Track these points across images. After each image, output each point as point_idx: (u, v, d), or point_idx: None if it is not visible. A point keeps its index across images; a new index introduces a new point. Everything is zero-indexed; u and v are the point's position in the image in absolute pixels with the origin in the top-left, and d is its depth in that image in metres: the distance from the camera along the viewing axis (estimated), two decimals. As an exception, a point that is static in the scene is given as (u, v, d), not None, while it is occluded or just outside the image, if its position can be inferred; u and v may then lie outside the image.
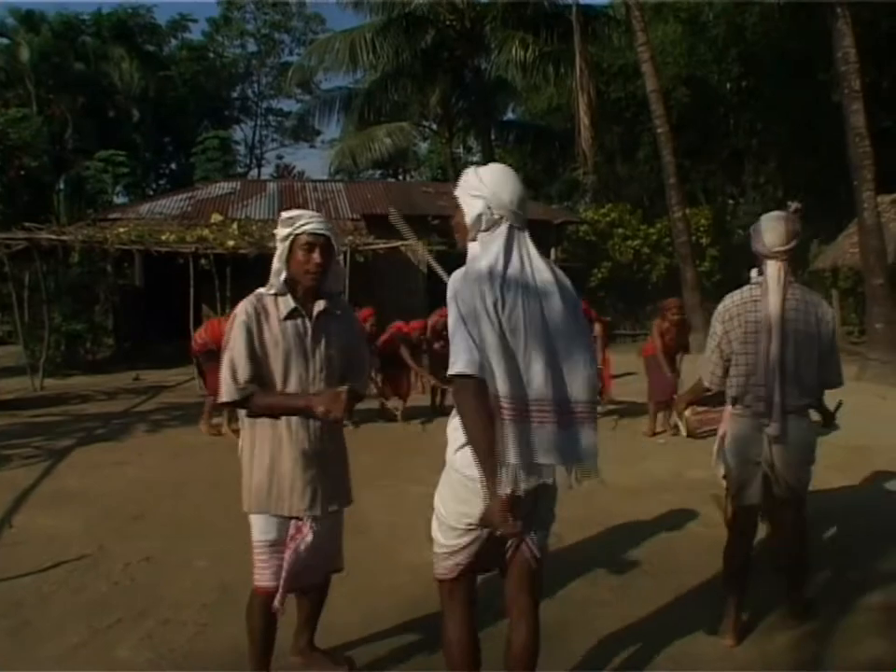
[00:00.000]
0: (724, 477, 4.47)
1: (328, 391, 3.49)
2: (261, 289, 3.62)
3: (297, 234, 3.51)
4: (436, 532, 3.23)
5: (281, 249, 3.56)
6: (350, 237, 18.36)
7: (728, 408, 4.38)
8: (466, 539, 3.09)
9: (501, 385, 2.78)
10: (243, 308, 3.52)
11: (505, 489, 2.78)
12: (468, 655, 3.20)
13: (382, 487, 7.42)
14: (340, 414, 3.41)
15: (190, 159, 40.11)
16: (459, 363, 2.78)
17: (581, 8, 25.64)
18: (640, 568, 5.28)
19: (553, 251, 22.63)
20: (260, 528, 3.69)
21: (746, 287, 4.15)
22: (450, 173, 33.70)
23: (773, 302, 3.95)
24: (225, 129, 46.13)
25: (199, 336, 10.32)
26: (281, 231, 3.55)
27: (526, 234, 3.11)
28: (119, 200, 35.78)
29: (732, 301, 4.15)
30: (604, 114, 28.26)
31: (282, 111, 56.14)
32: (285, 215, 3.59)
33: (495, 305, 2.81)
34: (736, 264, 25.34)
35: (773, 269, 4.01)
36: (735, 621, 4.20)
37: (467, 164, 42.54)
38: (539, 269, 3.01)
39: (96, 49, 39.64)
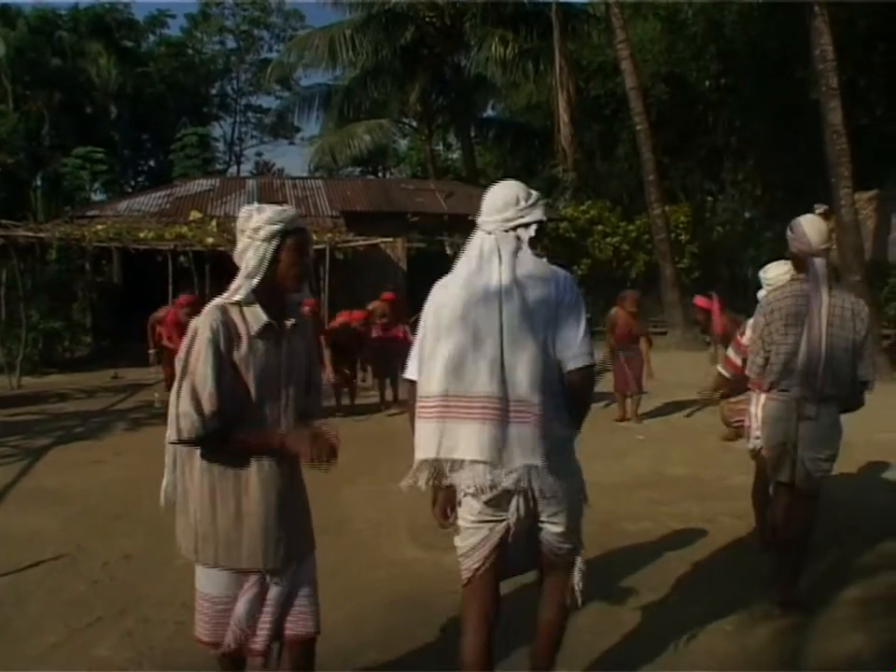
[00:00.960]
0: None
1: (301, 429, 3.08)
2: (219, 298, 3.07)
3: (289, 232, 3.00)
4: (455, 535, 3.28)
5: (264, 250, 2.98)
6: (330, 234, 18.33)
7: (757, 395, 4.81)
8: (474, 540, 3.16)
9: (421, 384, 3.05)
10: (206, 323, 2.94)
11: (417, 482, 3.17)
12: (476, 662, 3.17)
13: (363, 484, 7.42)
14: (324, 457, 3.03)
15: (169, 156, 39.89)
16: (407, 369, 3.18)
17: (561, 6, 25.76)
18: (621, 564, 5.30)
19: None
20: (215, 582, 3.15)
21: (787, 283, 4.49)
22: (429, 170, 33.72)
23: (823, 296, 4.23)
24: (204, 126, 45.90)
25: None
26: (266, 228, 2.96)
27: (509, 236, 3.14)
28: (96, 197, 35.54)
29: (774, 296, 4.44)
30: (583, 111, 28.31)
31: (261, 108, 55.96)
32: (265, 209, 3.01)
33: (435, 310, 3.08)
34: (715, 261, 25.49)
35: (821, 265, 4.27)
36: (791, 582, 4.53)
37: (446, 161, 42.70)
38: (508, 270, 3.03)
39: (73, 44, 39.30)
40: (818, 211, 4.69)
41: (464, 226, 21.79)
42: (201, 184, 25.18)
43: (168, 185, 26.56)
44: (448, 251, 23.06)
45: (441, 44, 30.54)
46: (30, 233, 16.54)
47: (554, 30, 25.08)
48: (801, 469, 4.39)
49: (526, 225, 3.23)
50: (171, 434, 2.99)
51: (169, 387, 9.73)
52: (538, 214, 3.25)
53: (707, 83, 29.37)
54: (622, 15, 20.25)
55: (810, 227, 4.32)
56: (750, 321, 5.28)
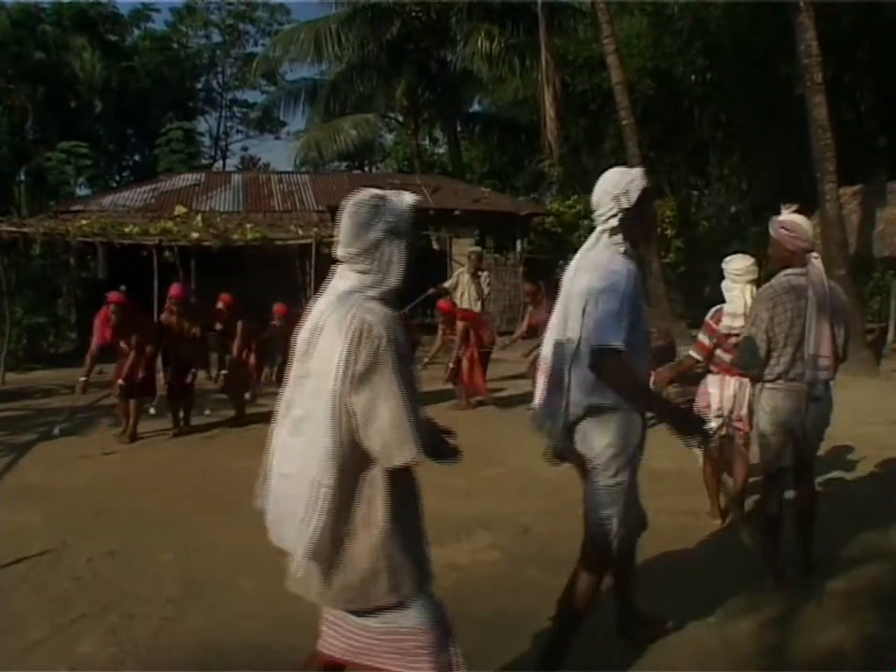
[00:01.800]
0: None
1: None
2: (360, 293, 2.61)
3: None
4: None
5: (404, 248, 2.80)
6: (315, 229, 18.29)
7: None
8: None
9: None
10: (389, 326, 2.56)
11: None
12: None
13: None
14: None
15: (154, 150, 39.72)
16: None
17: (547, 1, 25.70)
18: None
19: (518, 243, 22.66)
20: (426, 608, 2.76)
21: (783, 279, 4.64)
22: (416, 164, 33.69)
23: (826, 287, 4.58)
24: (189, 120, 45.68)
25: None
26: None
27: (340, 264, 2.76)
28: (81, 192, 35.39)
29: (774, 290, 4.64)
30: (569, 106, 28.34)
31: (247, 102, 55.76)
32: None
33: None
34: (701, 255, 25.53)
35: (819, 260, 4.65)
36: (776, 561, 4.82)
37: (433, 156, 42.66)
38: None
39: (57, 38, 39.03)
40: (790, 210, 4.72)
41: (450, 220, 21.89)
42: (186, 179, 25.10)
43: (153, 179, 26.45)
44: (435, 246, 23.06)
45: (427, 39, 30.52)
46: (14, 228, 16.46)
47: (540, 25, 25.08)
48: (807, 447, 4.78)
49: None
50: (406, 455, 2.52)
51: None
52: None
53: (693, 78, 29.42)
54: (608, 10, 20.23)
55: (808, 225, 4.66)
56: (715, 308, 5.76)
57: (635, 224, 3.63)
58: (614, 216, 3.61)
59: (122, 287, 9.57)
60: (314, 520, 2.50)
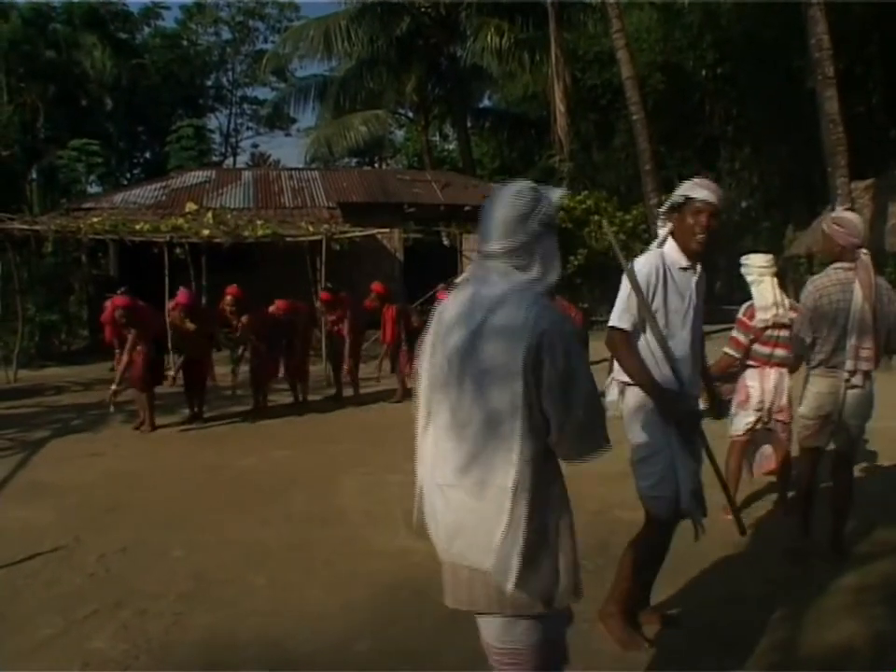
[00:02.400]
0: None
1: None
2: (528, 290, 2.47)
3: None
4: None
5: None
6: (326, 225, 18.30)
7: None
8: None
9: None
10: (569, 322, 2.59)
11: None
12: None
13: (359, 475, 7.42)
14: None
15: (165, 147, 39.75)
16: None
17: (557, -4, 25.65)
18: (616, 553, 5.29)
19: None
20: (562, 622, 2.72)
21: (831, 272, 4.89)
22: (426, 160, 33.67)
23: (873, 280, 4.78)
24: (199, 117, 45.74)
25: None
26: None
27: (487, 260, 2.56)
28: (92, 189, 35.44)
29: (821, 283, 4.89)
30: (579, 101, 28.31)
31: (257, 99, 55.84)
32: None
33: None
34: (712, 250, 25.44)
35: (866, 255, 4.83)
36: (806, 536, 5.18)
37: (443, 152, 42.63)
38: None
39: (67, 36, 39.12)
40: (846, 207, 4.99)
41: (460, 216, 21.88)
42: (197, 176, 25.14)
43: (164, 177, 26.51)
44: (445, 241, 23.06)
45: (437, 34, 30.50)
46: (26, 226, 16.50)
47: (550, 20, 25.03)
48: (844, 434, 5.01)
49: None
50: (600, 448, 2.58)
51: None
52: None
53: (704, 72, 29.36)
54: (617, 4, 20.20)
55: (857, 221, 4.96)
56: (746, 305, 5.91)
57: (679, 228, 3.91)
58: (662, 217, 4.03)
59: (122, 290, 9.57)
60: (505, 528, 2.37)
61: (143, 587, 4.91)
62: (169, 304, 10.48)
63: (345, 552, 5.43)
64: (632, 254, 17.15)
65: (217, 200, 21.94)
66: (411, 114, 36.22)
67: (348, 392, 11.70)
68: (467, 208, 21.82)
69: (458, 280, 2.71)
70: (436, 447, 2.54)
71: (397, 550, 5.47)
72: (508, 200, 2.50)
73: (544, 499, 2.45)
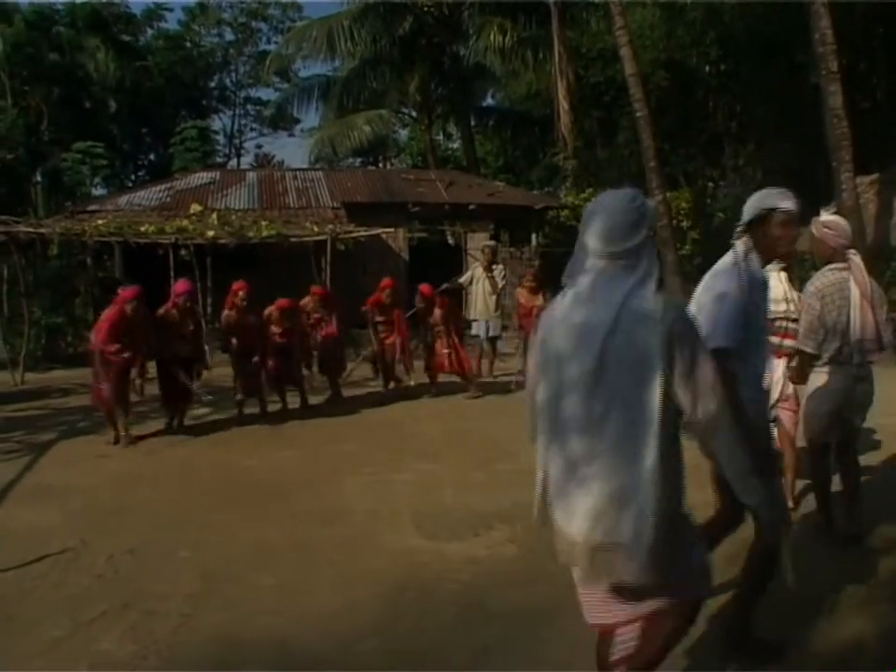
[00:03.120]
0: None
1: None
2: (647, 289, 2.72)
3: None
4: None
5: None
6: (331, 225, 18.33)
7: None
8: None
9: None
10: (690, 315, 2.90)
11: None
12: None
13: (363, 475, 7.43)
14: None
15: (169, 149, 39.78)
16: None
17: (559, -7, 25.64)
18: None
19: (534, 236, 22.62)
20: None
21: (827, 273, 5.15)
22: (430, 159, 33.66)
23: (866, 278, 5.08)
24: (203, 119, 45.79)
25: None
26: None
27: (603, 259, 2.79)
28: (97, 192, 35.53)
29: (823, 283, 5.15)
30: (583, 98, 28.25)
31: (260, 100, 55.82)
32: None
33: None
34: (717, 247, 25.37)
35: (858, 256, 5.16)
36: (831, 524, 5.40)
37: (447, 151, 42.62)
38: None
39: (71, 39, 39.19)
40: (830, 211, 5.29)
41: (465, 215, 21.88)
42: (201, 177, 25.13)
43: (168, 178, 26.51)
44: (449, 240, 23.04)
45: (440, 33, 30.49)
46: (31, 229, 16.53)
47: (553, 17, 25.03)
48: (849, 424, 5.27)
49: None
50: (722, 427, 2.81)
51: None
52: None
53: (707, 69, 29.27)
54: (620, 2, 20.16)
55: (844, 224, 5.23)
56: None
57: (763, 240, 3.83)
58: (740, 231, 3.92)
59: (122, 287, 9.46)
60: (647, 505, 2.59)
61: (150, 588, 4.93)
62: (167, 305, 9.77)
63: (351, 551, 5.45)
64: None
65: (222, 201, 21.95)
66: (414, 113, 36.18)
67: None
68: (471, 207, 21.82)
69: (564, 280, 2.90)
70: (569, 443, 2.70)
71: (402, 549, 5.48)
72: (626, 205, 2.76)
73: (674, 478, 2.72)
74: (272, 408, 10.52)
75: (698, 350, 2.67)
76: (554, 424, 2.74)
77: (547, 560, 5.14)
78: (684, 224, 24.56)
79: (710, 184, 30.25)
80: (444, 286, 13.04)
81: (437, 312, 11.50)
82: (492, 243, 14.54)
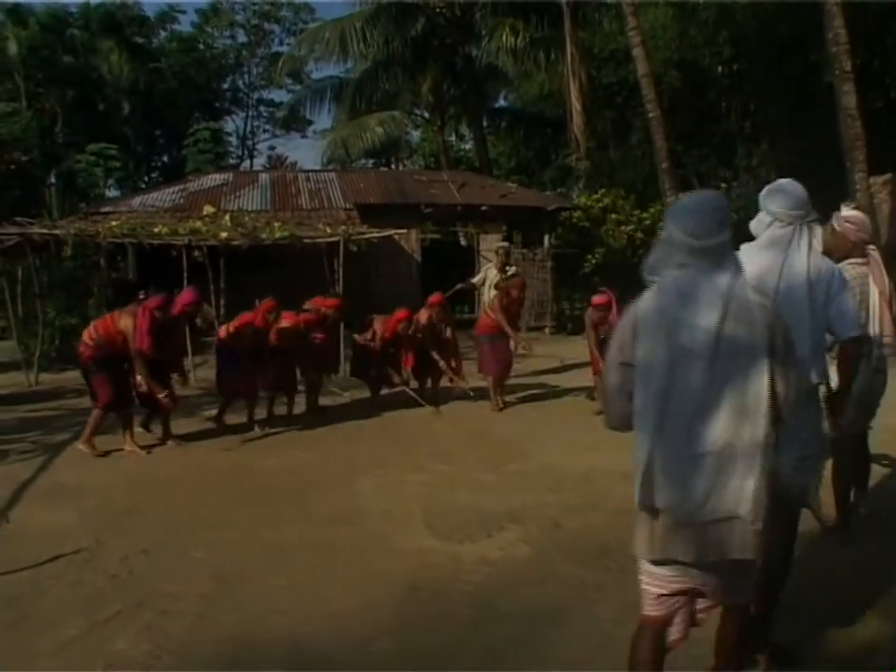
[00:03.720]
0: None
1: None
2: (743, 282, 3.00)
3: None
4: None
5: None
6: (343, 227, 18.34)
7: None
8: None
9: None
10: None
11: None
12: None
13: (376, 475, 7.44)
14: None
15: (182, 151, 39.91)
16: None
17: (572, -6, 25.61)
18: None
19: (546, 238, 22.60)
20: None
21: (847, 267, 4.97)
22: (442, 160, 33.68)
23: (883, 275, 5.19)
24: (216, 120, 45.92)
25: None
26: None
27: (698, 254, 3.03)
28: (110, 193, 35.66)
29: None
30: (595, 99, 28.21)
31: (273, 102, 55.92)
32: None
33: None
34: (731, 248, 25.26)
35: (876, 252, 5.26)
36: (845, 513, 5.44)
37: (459, 152, 42.62)
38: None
39: (85, 41, 39.39)
40: (851, 207, 5.38)
41: (477, 216, 21.89)
42: (214, 178, 25.20)
43: (181, 180, 26.61)
44: (462, 242, 23.05)
45: (452, 34, 30.50)
46: (45, 231, 16.57)
47: (565, 18, 25.01)
48: (874, 409, 5.40)
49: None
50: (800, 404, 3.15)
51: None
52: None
53: (720, 69, 29.18)
54: (632, 2, 20.15)
55: (865, 219, 5.27)
56: None
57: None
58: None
59: (143, 294, 9.36)
60: (756, 480, 2.82)
61: (164, 588, 4.95)
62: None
63: (365, 551, 5.46)
64: (650, 252, 16.98)
65: (235, 202, 22.01)
66: (427, 114, 36.20)
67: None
68: (484, 208, 21.82)
69: (651, 274, 3.11)
70: (683, 425, 2.84)
71: (416, 550, 5.49)
72: (714, 204, 3.04)
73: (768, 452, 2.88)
74: (278, 411, 10.53)
75: (790, 339, 2.97)
76: (665, 407, 2.86)
77: (559, 560, 5.18)
78: (697, 224, 24.47)
79: (723, 184, 30.17)
80: (458, 286, 13.02)
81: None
82: (506, 244, 14.55)
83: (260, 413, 10.19)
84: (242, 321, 9.85)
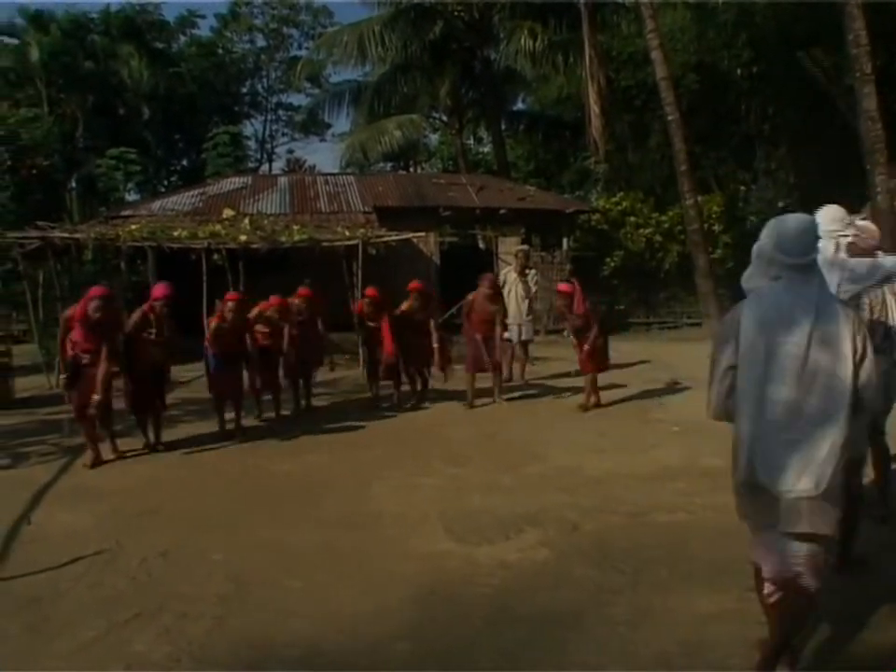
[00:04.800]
0: None
1: None
2: (831, 294, 3.82)
3: None
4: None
5: None
6: (362, 230, 18.37)
7: None
8: None
9: None
10: None
11: None
12: None
13: (392, 479, 7.45)
14: None
15: (201, 155, 40.00)
16: None
17: (590, -3, 25.56)
18: (653, 556, 5.29)
19: (565, 241, 22.58)
20: None
21: None
22: (461, 164, 33.68)
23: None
24: (235, 124, 45.99)
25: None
26: None
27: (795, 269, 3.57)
28: (130, 197, 35.75)
29: None
30: (614, 102, 28.13)
31: (292, 105, 55.94)
32: None
33: None
34: (749, 251, 25.17)
35: (886, 256, 5.41)
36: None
37: (477, 155, 42.61)
38: None
39: (105, 47, 39.58)
40: (861, 217, 5.91)
41: (496, 219, 21.90)
42: (233, 182, 25.28)
43: (201, 184, 26.69)
44: (481, 245, 23.04)
45: (471, 38, 30.51)
46: (66, 234, 16.69)
47: (584, 21, 24.95)
48: (884, 408, 5.51)
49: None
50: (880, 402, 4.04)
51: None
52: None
53: (739, 71, 29.09)
54: (651, 4, 20.10)
55: (874, 227, 5.58)
56: None
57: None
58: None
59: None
60: (835, 464, 3.30)
61: (183, 590, 4.98)
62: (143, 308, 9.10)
63: (380, 554, 5.47)
64: (669, 255, 17.04)
65: (254, 206, 22.06)
66: (445, 118, 36.18)
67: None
68: (502, 211, 21.82)
69: (752, 285, 3.93)
70: (780, 410, 3.36)
71: (430, 553, 5.50)
72: (807, 227, 3.54)
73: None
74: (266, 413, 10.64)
75: (867, 345, 3.41)
76: (764, 395, 3.39)
77: (577, 563, 5.17)
78: (716, 228, 24.43)
79: (742, 187, 30.10)
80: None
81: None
82: (525, 247, 14.57)
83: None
84: (210, 322, 9.81)
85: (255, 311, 10.33)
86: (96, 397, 8.15)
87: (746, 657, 3.89)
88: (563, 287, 10.93)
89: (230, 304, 9.54)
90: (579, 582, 4.90)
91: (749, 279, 3.98)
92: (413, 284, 11.54)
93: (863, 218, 5.81)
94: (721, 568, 4.97)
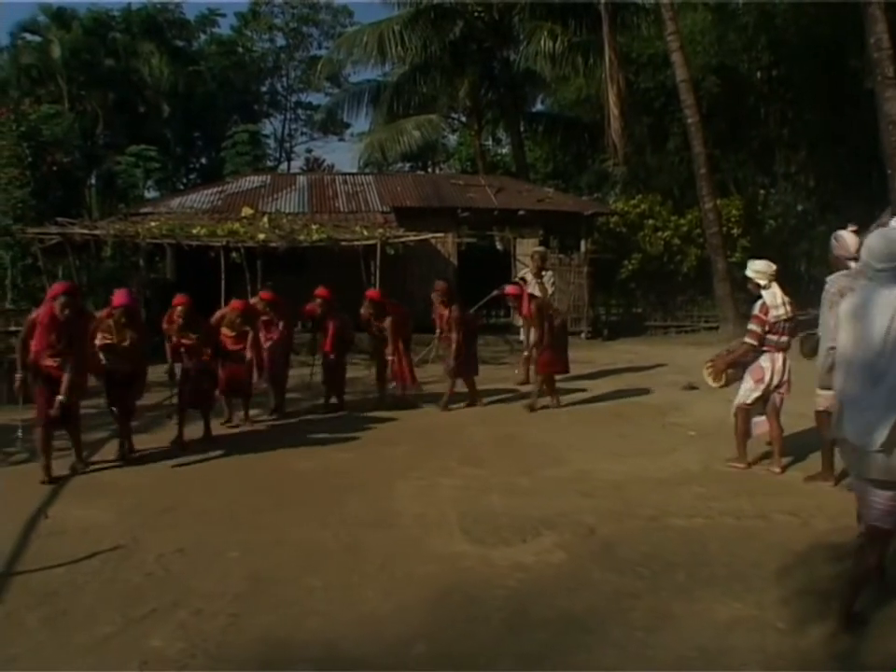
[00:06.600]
0: None
1: None
2: None
3: None
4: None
5: None
6: (380, 230, 18.39)
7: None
8: None
9: None
10: None
11: None
12: None
13: (413, 479, 7.44)
14: None
15: (220, 153, 40.14)
16: None
17: (610, -1, 25.51)
18: (671, 560, 5.26)
19: (583, 243, 22.53)
20: None
21: (841, 278, 6.17)
22: (479, 165, 33.66)
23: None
24: (254, 123, 46.11)
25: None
26: None
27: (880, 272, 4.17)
28: (150, 194, 35.92)
29: (841, 286, 6.02)
30: (633, 104, 28.06)
31: (311, 105, 56.13)
32: None
33: None
34: (768, 255, 25.06)
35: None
36: None
37: (496, 156, 42.60)
38: None
39: (126, 45, 39.81)
40: (850, 229, 6.40)
41: (514, 221, 21.88)
42: (252, 181, 25.34)
43: (220, 182, 26.78)
44: (499, 246, 23.02)
45: (490, 38, 30.50)
46: (86, 231, 16.79)
47: (604, 23, 24.87)
48: None
49: None
50: None
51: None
52: None
53: (759, 74, 29.02)
54: (671, 6, 20.06)
55: (851, 239, 6.21)
56: (759, 303, 7.29)
57: None
58: None
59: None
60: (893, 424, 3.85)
61: (200, 587, 4.98)
62: (102, 313, 8.65)
63: (399, 555, 5.46)
64: (687, 258, 16.98)
65: (273, 204, 22.11)
66: (464, 118, 36.22)
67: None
68: (520, 213, 21.80)
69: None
70: (867, 380, 3.96)
71: (450, 554, 5.48)
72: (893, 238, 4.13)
73: None
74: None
75: None
76: (853, 368, 4.05)
77: (594, 567, 5.15)
78: (735, 231, 24.32)
79: (761, 191, 29.96)
80: (493, 293, 13.01)
81: (387, 319, 11.09)
82: (542, 249, 14.52)
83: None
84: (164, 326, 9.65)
85: (218, 315, 10.13)
86: (60, 398, 7.67)
87: (763, 664, 3.88)
88: (511, 289, 11.37)
89: (178, 309, 9.20)
90: (597, 586, 4.87)
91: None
92: (370, 292, 11.79)
93: (853, 230, 6.35)
94: (739, 574, 4.95)
